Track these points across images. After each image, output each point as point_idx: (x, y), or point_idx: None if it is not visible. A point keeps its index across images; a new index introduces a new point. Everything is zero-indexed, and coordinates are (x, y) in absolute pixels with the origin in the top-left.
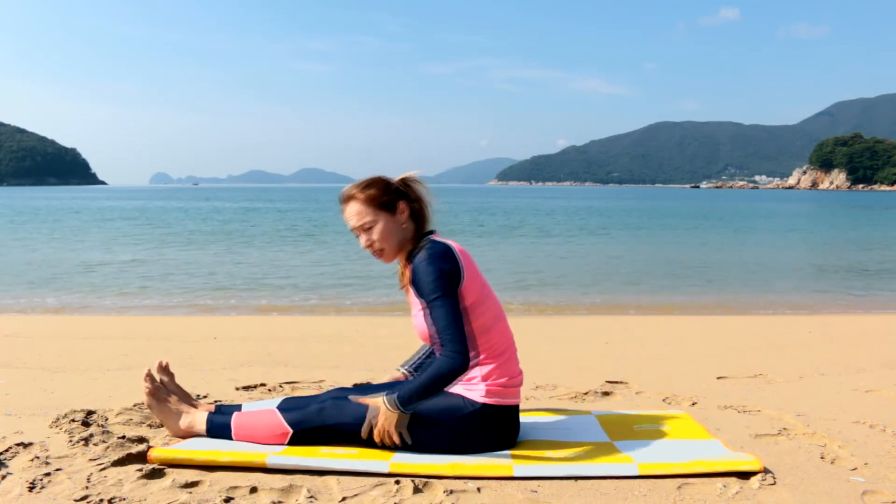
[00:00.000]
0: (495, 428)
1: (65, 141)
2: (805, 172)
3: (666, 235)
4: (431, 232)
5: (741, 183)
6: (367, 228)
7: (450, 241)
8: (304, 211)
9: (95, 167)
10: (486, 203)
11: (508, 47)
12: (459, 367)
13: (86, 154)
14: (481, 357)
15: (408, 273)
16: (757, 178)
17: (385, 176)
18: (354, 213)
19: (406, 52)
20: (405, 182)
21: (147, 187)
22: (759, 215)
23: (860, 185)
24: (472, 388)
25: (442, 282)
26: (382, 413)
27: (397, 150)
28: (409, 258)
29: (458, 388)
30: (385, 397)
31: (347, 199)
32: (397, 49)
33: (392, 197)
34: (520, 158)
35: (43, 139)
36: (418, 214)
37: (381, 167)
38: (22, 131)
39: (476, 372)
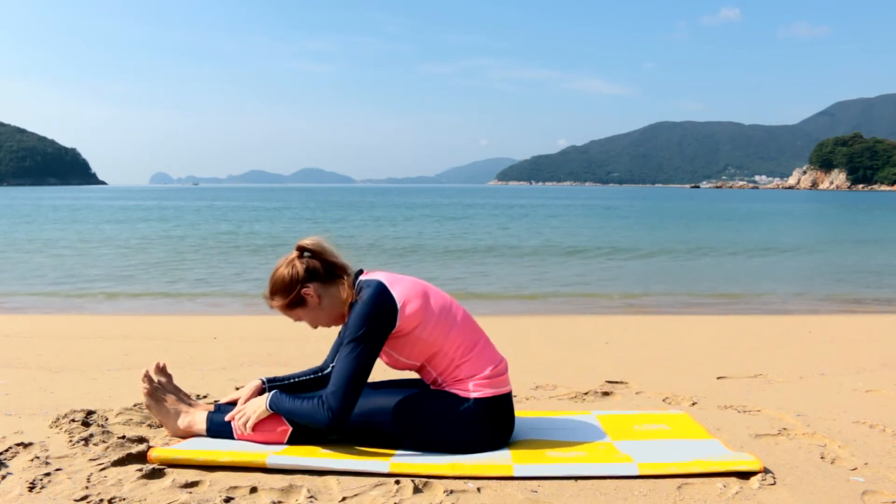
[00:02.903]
0: (492, 419)
1: (65, 141)
2: (805, 172)
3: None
4: (360, 272)
5: (741, 183)
6: (299, 320)
7: (380, 276)
8: (316, 212)
9: (95, 167)
10: (501, 204)
11: (508, 47)
12: (328, 427)
13: (86, 154)
14: (455, 360)
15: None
16: (757, 178)
17: (282, 263)
18: (282, 314)
19: (406, 53)
20: (303, 252)
21: (147, 187)
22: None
23: (860, 186)
24: (462, 386)
25: (365, 328)
26: (260, 400)
27: (397, 149)
28: (351, 306)
29: (449, 388)
30: (269, 393)
31: (270, 305)
32: (397, 49)
33: (295, 294)
34: (520, 158)
35: (43, 139)
36: (331, 274)
37: (381, 167)
38: (22, 131)
39: (459, 373)
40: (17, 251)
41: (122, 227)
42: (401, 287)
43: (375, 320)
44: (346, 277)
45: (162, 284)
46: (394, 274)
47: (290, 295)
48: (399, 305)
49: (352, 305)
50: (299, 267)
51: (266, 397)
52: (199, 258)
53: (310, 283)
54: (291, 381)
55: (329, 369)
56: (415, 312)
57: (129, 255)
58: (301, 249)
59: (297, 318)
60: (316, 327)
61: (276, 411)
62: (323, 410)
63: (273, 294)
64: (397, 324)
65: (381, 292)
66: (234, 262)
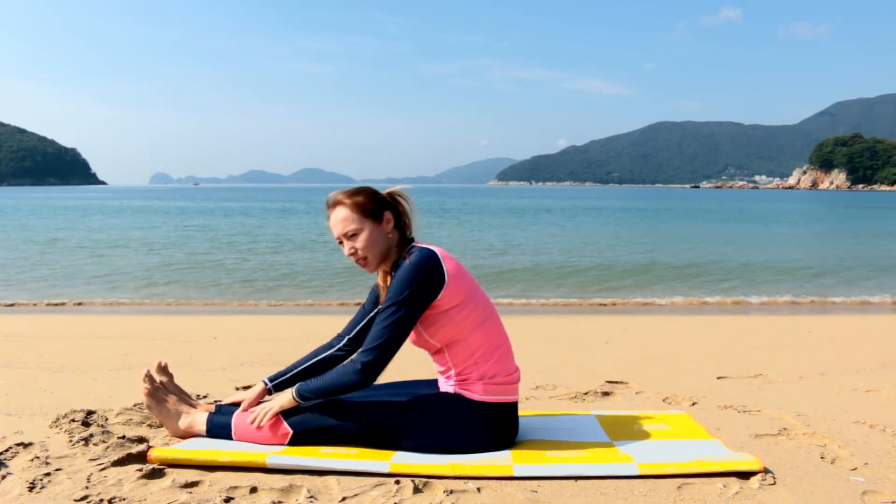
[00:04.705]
0: (495, 425)
1: (65, 141)
2: (805, 172)
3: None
4: (412, 240)
5: (741, 183)
6: (351, 236)
7: (434, 247)
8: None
9: (95, 167)
10: (512, 205)
11: (508, 47)
12: (359, 384)
13: (86, 154)
14: (475, 356)
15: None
16: (757, 178)
17: (373, 187)
18: (340, 219)
19: (406, 53)
20: (392, 195)
21: (148, 187)
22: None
23: (860, 185)
24: (469, 387)
25: (409, 291)
26: (286, 393)
27: (397, 149)
28: (395, 267)
29: (456, 388)
30: (293, 388)
31: (335, 204)
32: (397, 49)
33: (379, 206)
34: (520, 158)
35: (43, 139)
36: (403, 225)
37: (381, 167)
38: (22, 131)
39: (472, 371)
40: (30, 251)
41: (130, 228)
42: (453, 263)
43: (422, 284)
44: (406, 234)
45: (166, 286)
46: (447, 252)
47: (373, 204)
48: (447, 278)
49: (396, 265)
50: (389, 199)
51: (291, 390)
52: (211, 260)
53: (393, 212)
54: (294, 371)
55: (343, 342)
56: (459, 291)
57: (149, 256)
58: (391, 194)
59: (356, 230)
60: (356, 253)
61: (305, 396)
62: (352, 375)
63: (355, 194)
64: (440, 295)
65: (432, 259)
66: (249, 261)
